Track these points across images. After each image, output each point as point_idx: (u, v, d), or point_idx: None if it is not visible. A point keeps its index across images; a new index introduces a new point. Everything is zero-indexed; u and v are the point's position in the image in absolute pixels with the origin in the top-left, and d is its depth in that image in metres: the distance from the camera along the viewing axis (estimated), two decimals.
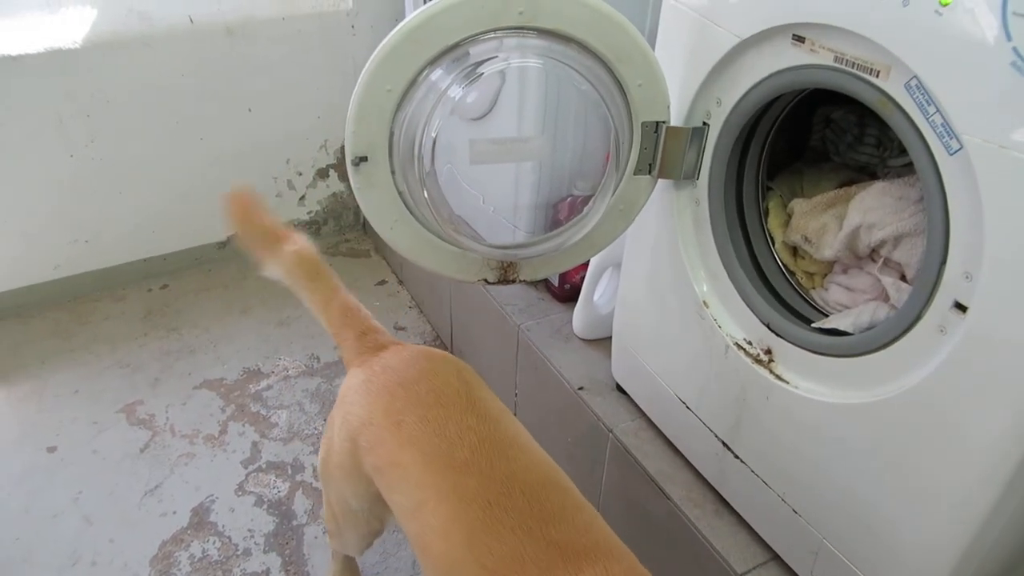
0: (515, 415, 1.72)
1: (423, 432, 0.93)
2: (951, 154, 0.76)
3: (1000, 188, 0.72)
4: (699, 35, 1.02)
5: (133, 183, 2.13)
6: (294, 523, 1.59)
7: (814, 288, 1.09)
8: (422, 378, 1.00)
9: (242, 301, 2.23)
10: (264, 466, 1.72)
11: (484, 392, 1.01)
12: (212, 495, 1.65)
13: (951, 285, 0.80)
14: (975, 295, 0.77)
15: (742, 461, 1.15)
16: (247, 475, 1.70)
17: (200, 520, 1.59)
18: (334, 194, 2.46)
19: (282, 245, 1.14)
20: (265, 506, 1.63)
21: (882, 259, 0.98)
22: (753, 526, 1.18)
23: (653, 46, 1.12)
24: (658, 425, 1.35)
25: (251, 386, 1.94)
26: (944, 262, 0.80)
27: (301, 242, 1.15)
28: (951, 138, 0.75)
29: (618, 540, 0.87)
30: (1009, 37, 0.68)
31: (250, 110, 2.19)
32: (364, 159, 1.01)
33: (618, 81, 1.02)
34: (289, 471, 1.71)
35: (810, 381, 1.00)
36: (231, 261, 2.37)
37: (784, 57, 0.92)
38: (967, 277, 0.78)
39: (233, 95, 2.15)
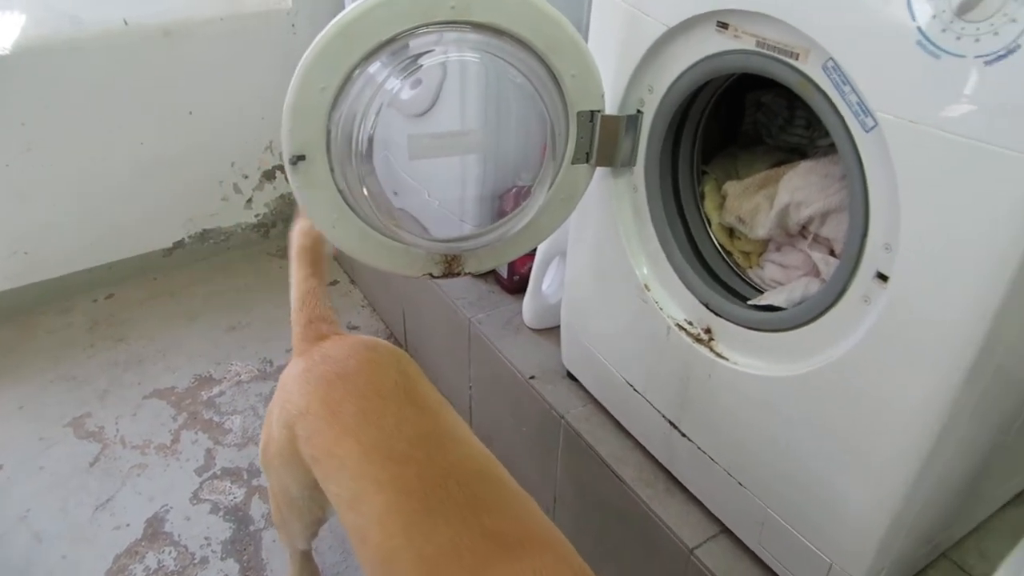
0: (470, 408, 1.75)
1: (360, 423, 0.93)
2: (867, 131, 0.79)
3: (912, 161, 0.75)
4: (629, 24, 1.04)
5: (73, 191, 2.09)
6: (251, 528, 1.58)
7: (750, 267, 1.13)
8: (361, 369, 1.01)
9: (190, 308, 2.20)
10: (219, 473, 1.71)
11: (424, 384, 1.02)
12: (166, 505, 1.63)
13: (873, 256, 0.83)
14: (895, 265, 0.80)
15: (689, 439, 1.18)
16: (202, 483, 1.68)
17: (155, 531, 1.57)
18: (282, 196, 2.44)
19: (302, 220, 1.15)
20: (221, 513, 1.62)
21: (811, 235, 1.01)
22: (703, 501, 1.21)
23: (588, 37, 1.14)
24: (608, 409, 1.38)
25: (203, 393, 1.92)
26: (866, 234, 0.83)
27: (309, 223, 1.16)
28: (866, 116, 0.79)
29: (554, 528, 0.88)
30: (914, 18, 0.71)
31: (191, 113, 2.16)
32: (302, 158, 1.01)
33: (552, 72, 1.04)
34: (245, 476, 1.70)
35: (748, 357, 1.04)
36: (177, 268, 2.34)
37: (710, 43, 0.95)
38: (887, 248, 0.81)
39: (173, 98, 2.12)
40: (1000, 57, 0.66)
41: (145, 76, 2.05)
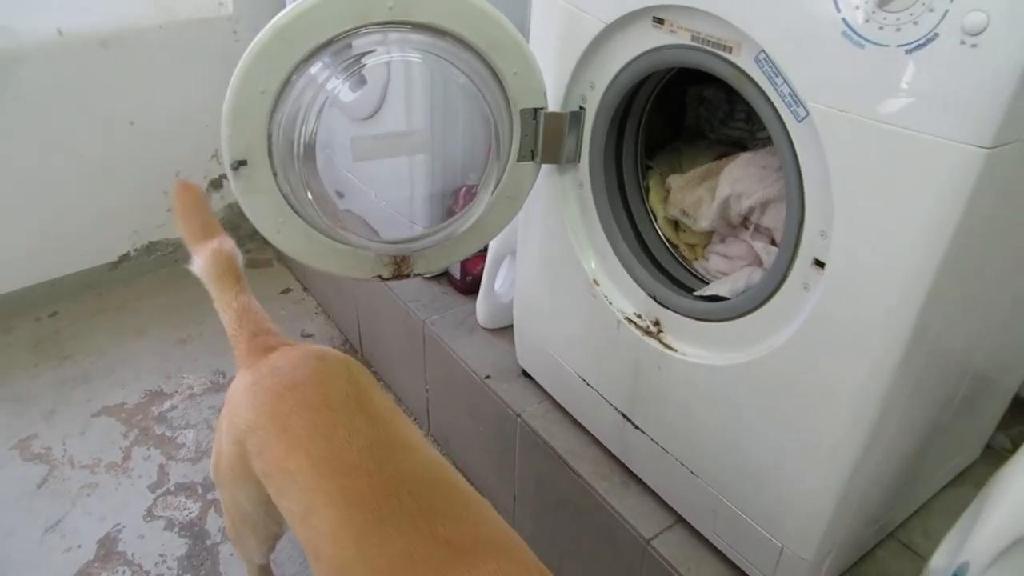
0: (427, 410, 1.74)
1: (311, 436, 0.92)
2: (799, 121, 0.81)
3: (842, 149, 0.77)
4: (568, 22, 1.05)
5: (12, 207, 2.03)
6: (208, 543, 1.56)
7: (696, 259, 1.14)
8: (310, 380, 0.99)
9: (138, 323, 2.15)
10: (173, 488, 1.67)
11: (375, 393, 1.01)
12: (119, 524, 1.59)
13: (810, 243, 0.85)
14: (830, 251, 0.82)
15: (642, 431, 1.19)
16: (155, 499, 1.65)
17: (108, 551, 1.53)
18: (230, 205, 2.41)
19: (207, 242, 1.12)
20: (176, 529, 1.58)
21: (753, 226, 1.03)
22: (658, 492, 1.22)
23: (529, 35, 1.15)
24: (563, 405, 1.39)
25: (154, 408, 1.88)
26: (802, 223, 0.85)
27: (223, 243, 1.13)
28: (798, 106, 0.80)
29: (511, 532, 0.88)
30: (838, 9, 0.73)
31: (133, 123, 2.12)
32: (243, 163, 1.00)
33: (494, 71, 1.04)
34: (200, 491, 1.67)
35: (696, 347, 1.05)
36: (123, 282, 2.29)
37: (647, 39, 0.96)
38: (823, 235, 0.83)
39: (113, 109, 2.08)
40: (920, 46, 0.68)
41: (83, 87, 2.01)
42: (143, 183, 2.22)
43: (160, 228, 2.30)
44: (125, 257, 2.28)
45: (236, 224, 2.44)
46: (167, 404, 1.90)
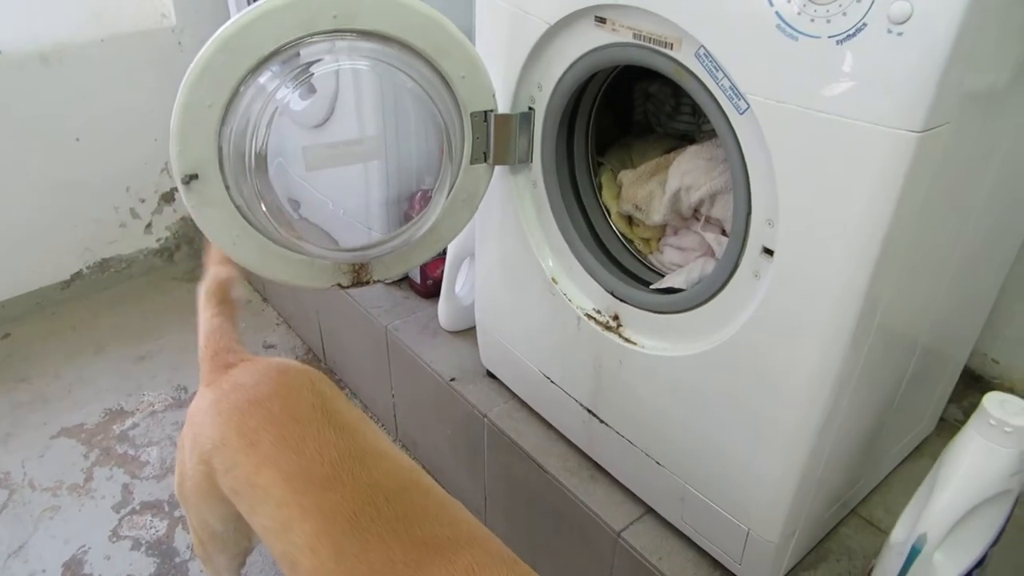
0: (394, 415, 1.74)
1: (280, 451, 0.92)
2: (741, 113, 0.83)
3: (783, 139, 0.79)
4: (512, 24, 1.06)
5: None
6: (176, 560, 1.54)
7: (651, 252, 1.16)
8: (275, 394, 0.99)
9: (95, 341, 2.11)
10: (138, 507, 1.65)
11: (340, 402, 1.01)
12: (84, 546, 1.56)
13: (758, 232, 0.87)
14: (777, 239, 0.84)
15: (607, 425, 1.20)
16: (120, 519, 1.62)
17: (73, 574, 1.51)
18: (183, 218, 2.37)
19: (214, 268, 1.17)
20: (143, 548, 1.56)
21: (703, 217, 1.05)
22: (625, 484, 1.24)
23: (475, 38, 1.15)
24: (529, 403, 1.40)
25: (115, 427, 1.85)
26: (749, 212, 0.87)
27: (224, 272, 1.16)
28: (739, 99, 0.82)
29: (484, 528, 0.90)
30: (771, 3, 0.75)
31: (78, 139, 2.08)
32: (194, 177, 0.99)
33: (442, 75, 1.05)
34: (166, 508, 1.65)
35: (655, 339, 1.07)
36: (77, 300, 2.24)
37: (590, 38, 0.97)
38: (769, 223, 0.85)
39: (57, 126, 2.03)
40: (850, 36, 0.70)
41: (25, 104, 1.96)
42: (93, 199, 2.18)
43: (112, 244, 2.26)
44: (77, 275, 2.23)
45: (191, 236, 2.41)
46: (128, 422, 1.87)
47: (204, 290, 1.16)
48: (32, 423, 1.86)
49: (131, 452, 1.78)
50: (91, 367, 2.03)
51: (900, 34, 0.67)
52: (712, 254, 1.05)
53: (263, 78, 0.98)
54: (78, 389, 1.96)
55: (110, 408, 1.91)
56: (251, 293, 2.32)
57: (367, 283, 1.19)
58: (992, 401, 0.83)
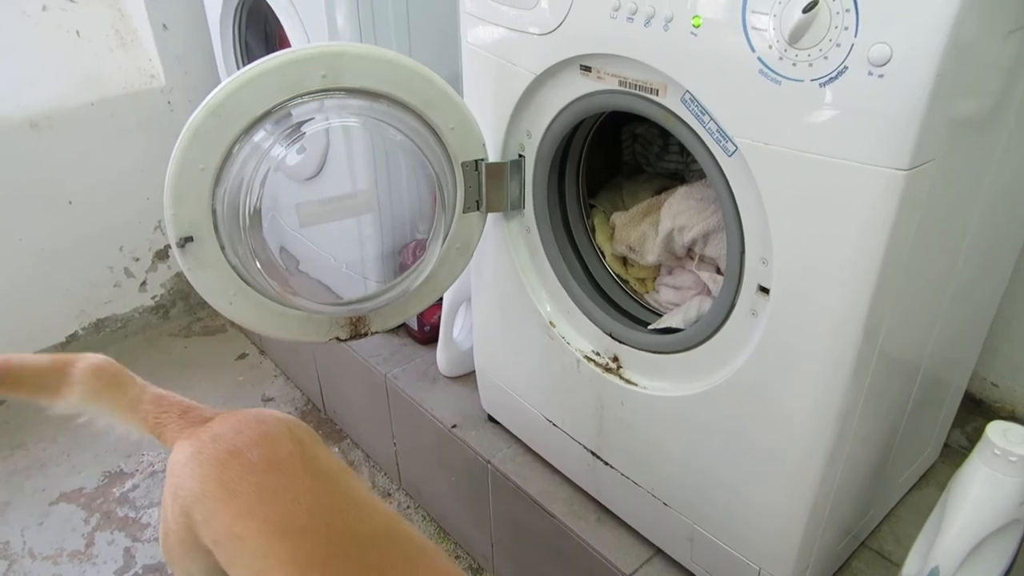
0: (397, 463, 1.73)
1: (258, 500, 0.92)
2: (729, 156, 0.84)
3: (772, 180, 0.80)
4: (499, 75, 1.08)
5: None
6: None
7: (647, 292, 1.17)
8: (254, 444, 0.99)
9: None
10: (141, 571, 1.62)
11: (318, 449, 1.01)
12: None
13: (753, 271, 0.88)
14: (773, 277, 0.85)
15: (611, 467, 1.20)
16: None
17: None
18: (177, 274, 2.37)
19: (69, 370, 1.07)
20: None
21: (697, 256, 1.06)
22: (633, 526, 1.23)
23: (463, 89, 1.17)
24: (532, 447, 1.39)
25: (115, 490, 1.83)
26: (743, 252, 0.88)
27: (91, 357, 1.09)
28: (727, 142, 0.84)
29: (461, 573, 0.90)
30: (753, 49, 0.76)
31: (71, 202, 2.09)
32: (189, 239, 0.99)
33: (432, 128, 1.06)
34: (169, 571, 1.62)
35: (655, 380, 1.07)
36: None
37: (577, 87, 0.99)
38: (764, 262, 0.86)
39: (49, 190, 2.04)
40: (832, 79, 0.72)
41: (16, 170, 1.97)
42: (86, 261, 2.18)
43: (107, 304, 2.26)
44: (73, 337, 2.23)
45: (185, 293, 2.41)
46: (128, 484, 1.85)
47: (95, 382, 1.09)
48: (30, 490, 1.84)
49: (132, 515, 1.76)
50: (89, 430, 2.00)
51: (881, 76, 0.68)
52: (708, 292, 1.06)
53: (257, 137, 0.99)
54: (76, 453, 1.94)
55: (109, 470, 1.88)
56: (248, 346, 2.32)
57: (365, 335, 1.19)
58: (995, 431, 0.83)
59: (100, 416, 1.11)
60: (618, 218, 1.16)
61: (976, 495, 0.85)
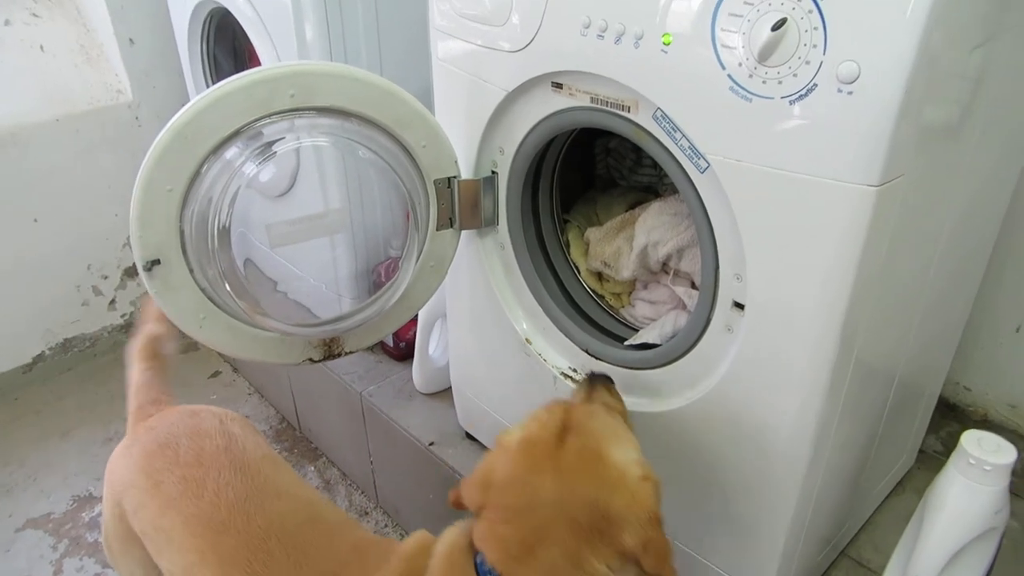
0: (373, 481, 1.71)
1: (182, 494, 0.93)
2: (702, 172, 0.84)
3: (744, 196, 0.80)
4: (471, 92, 1.07)
5: None
6: None
7: (622, 307, 1.17)
8: (184, 436, 1.01)
9: (60, 425, 2.05)
10: None
11: (248, 442, 1.02)
12: None
13: (727, 287, 0.88)
14: (747, 293, 0.85)
15: None
16: None
17: None
18: (147, 292, 2.33)
19: (147, 323, 1.18)
20: None
21: (672, 271, 1.06)
22: None
23: (435, 106, 1.16)
24: None
25: (84, 515, 1.79)
26: (717, 267, 0.88)
27: (153, 328, 1.17)
28: (699, 158, 0.83)
29: (392, 543, 0.93)
30: (723, 66, 0.76)
31: (36, 220, 2.04)
32: (156, 262, 0.98)
33: (403, 146, 1.05)
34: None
35: (632, 396, 1.06)
36: (41, 384, 2.18)
37: (549, 103, 0.99)
38: (738, 278, 0.86)
39: (13, 208, 2.00)
40: (802, 96, 0.72)
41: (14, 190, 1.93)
42: (53, 279, 2.13)
43: (75, 324, 2.22)
44: (40, 357, 2.18)
45: (159, 312, 2.37)
46: (98, 508, 1.81)
47: (135, 345, 1.17)
48: None
49: (102, 540, 1.72)
50: (57, 452, 1.97)
51: (850, 92, 0.69)
52: (683, 306, 1.06)
53: (228, 154, 0.97)
54: (44, 476, 1.90)
55: (78, 495, 1.84)
56: (221, 364, 2.28)
57: (339, 355, 1.17)
58: (970, 440, 0.83)
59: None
60: (592, 234, 1.15)
61: (952, 505, 0.85)
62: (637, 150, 1.26)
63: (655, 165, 1.24)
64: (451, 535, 0.86)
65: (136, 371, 1.16)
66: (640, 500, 0.75)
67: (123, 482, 1.00)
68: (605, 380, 0.95)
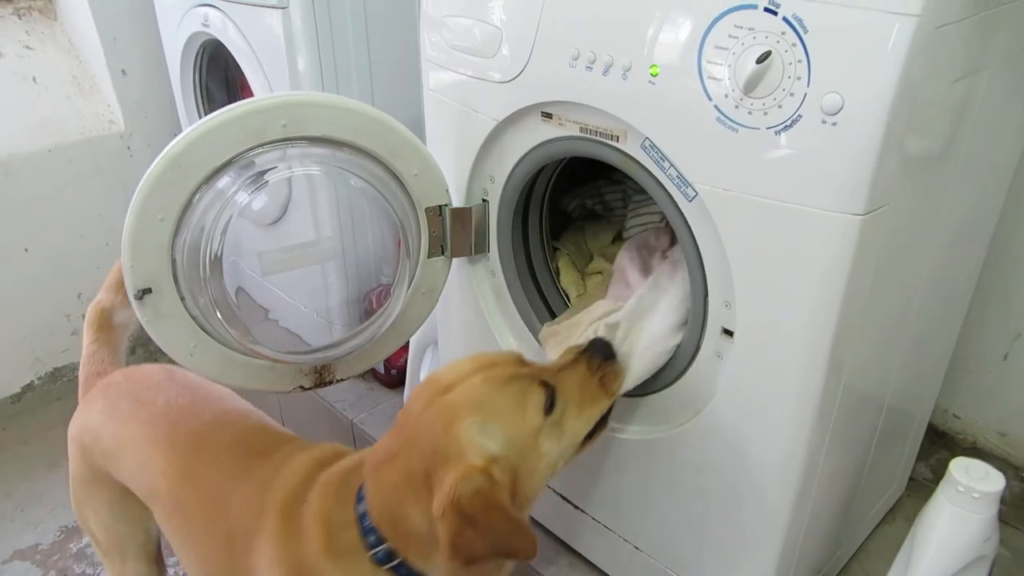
0: None
1: (138, 409, 1.08)
2: (690, 201, 0.85)
3: (731, 225, 0.81)
4: (461, 122, 1.08)
5: None
6: None
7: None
8: (131, 375, 1.16)
9: (48, 455, 2.03)
10: None
11: (191, 376, 1.14)
12: None
13: (716, 314, 0.88)
14: (736, 320, 0.86)
15: (582, 511, 1.19)
16: None
17: None
18: (136, 321, 2.33)
19: (103, 295, 1.24)
20: None
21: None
22: (605, 570, 1.22)
23: (426, 135, 1.17)
24: None
25: (72, 545, 1.77)
26: (706, 294, 0.88)
27: (109, 300, 1.23)
28: (687, 187, 0.85)
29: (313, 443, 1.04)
30: (709, 97, 0.78)
31: (27, 250, 2.04)
32: (148, 291, 0.98)
33: (395, 174, 1.06)
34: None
35: (624, 423, 1.06)
36: (29, 414, 2.16)
37: (539, 133, 1.00)
38: (727, 305, 0.86)
39: (3, 236, 1.99)
40: (787, 127, 0.73)
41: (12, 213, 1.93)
42: (42, 308, 2.12)
43: (64, 353, 2.20)
44: (28, 387, 2.16)
45: (145, 339, 2.35)
46: (86, 539, 1.78)
47: (89, 316, 1.24)
48: None
49: (89, 571, 1.70)
50: (45, 482, 1.95)
51: (835, 124, 0.70)
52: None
53: (220, 183, 0.98)
54: (31, 507, 1.87)
55: (66, 525, 1.82)
56: None
57: (330, 383, 1.17)
58: (958, 468, 0.84)
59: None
60: (554, 335, 1.13)
61: (942, 533, 0.85)
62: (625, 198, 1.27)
63: (625, 204, 1.25)
64: (355, 457, 0.95)
65: (86, 343, 1.24)
66: (454, 481, 0.76)
67: (81, 427, 1.13)
68: (603, 350, 0.90)
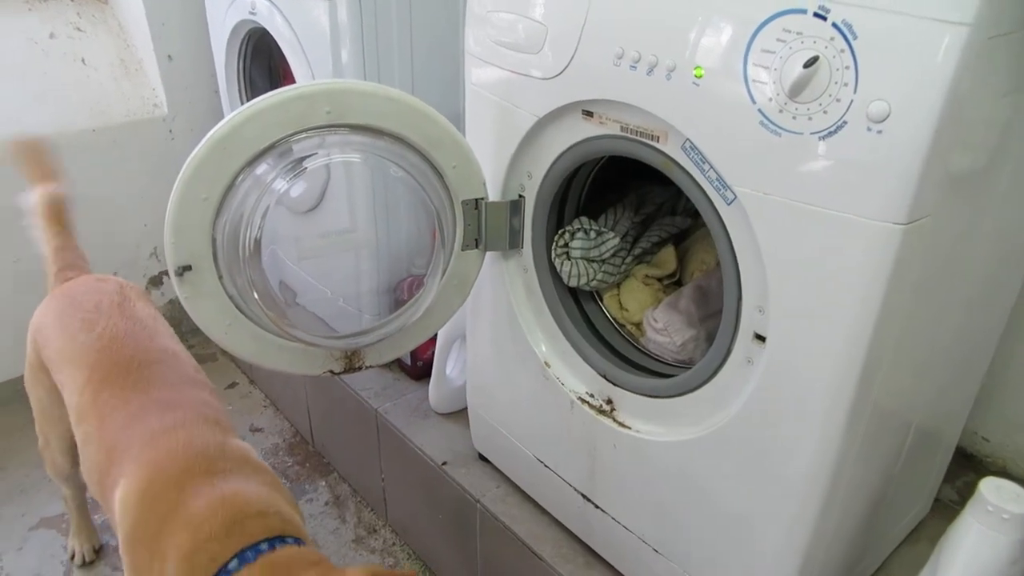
0: (384, 499, 1.71)
1: (79, 329, 1.21)
2: (728, 204, 0.85)
3: (770, 229, 0.81)
4: (502, 117, 1.09)
5: None
6: None
7: (643, 336, 1.17)
8: (88, 292, 1.28)
9: None
10: None
11: (139, 305, 1.28)
12: None
13: (749, 319, 0.88)
14: (769, 326, 0.85)
15: (603, 510, 1.19)
16: None
17: None
18: (171, 301, 2.36)
19: (41, 185, 1.37)
20: None
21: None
22: (623, 572, 1.21)
23: (465, 128, 1.18)
24: (522, 488, 1.38)
25: (95, 516, 1.80)
26: (740, 298, 0.88)
27: (54, 188, 1.36)
28: (726, 190, 0.85)
29: (215, 406, 1.15)
30: (753, 100, 0.78)
31: None
32: (188, 268, 1.00)
33: (433, 165, 1.07)
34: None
35: (649, 424, 1.06)
36: None
37: (578, 131, 1.00)
38: (760, 310, 0.86)
39: None
40: (831, 133, 0.73)
41: (11, 194, 1.97)
42: None
43: None
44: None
45: (178, 320, 2.40)
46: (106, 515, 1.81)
47: (40, 208, 1.36)
48: (8, 515, 1.80)
49: (112, 542, 1.73)
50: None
51: (880, 132, 0.70)
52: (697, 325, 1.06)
53: (259, 170, 1.00)
54: None
55: (90, 497, 1.85)
56: (238, 375, 2.30)
57: (359, 369, 1.19)
58: (989, 487, 0.83)
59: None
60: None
61: (968, 553, 0.84)
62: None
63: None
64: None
65: (49, 235, 1.35)
66: None
67: (38, 325, 1.29)
68: None
